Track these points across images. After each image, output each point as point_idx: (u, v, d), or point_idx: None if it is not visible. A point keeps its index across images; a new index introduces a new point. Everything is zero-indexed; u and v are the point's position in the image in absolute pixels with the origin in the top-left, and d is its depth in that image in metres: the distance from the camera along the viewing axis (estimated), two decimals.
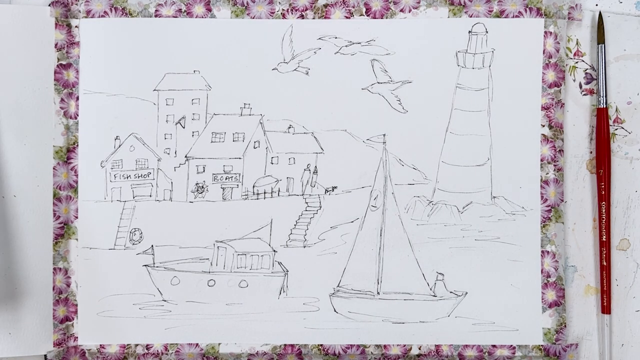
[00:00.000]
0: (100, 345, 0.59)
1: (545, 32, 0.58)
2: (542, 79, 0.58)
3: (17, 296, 0.58)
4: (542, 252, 0.58)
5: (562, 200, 0.59)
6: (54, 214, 0.59)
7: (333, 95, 0.59)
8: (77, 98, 0.59)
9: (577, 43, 0.59)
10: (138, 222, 0.59)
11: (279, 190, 0.60)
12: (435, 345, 0.59)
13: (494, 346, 0.59)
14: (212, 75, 0.59)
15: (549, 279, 0.58)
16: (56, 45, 0.59)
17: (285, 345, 0.59)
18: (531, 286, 0.58)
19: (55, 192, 0.59)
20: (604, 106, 0.58)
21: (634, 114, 0.59)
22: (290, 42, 0.59)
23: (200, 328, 0.59)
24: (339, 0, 0.59)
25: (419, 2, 0.59)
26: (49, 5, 0.58)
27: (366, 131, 0.59)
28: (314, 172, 0.60)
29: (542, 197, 0.58)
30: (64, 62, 0.59)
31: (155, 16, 0.59)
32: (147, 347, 0.59)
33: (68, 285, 0.59)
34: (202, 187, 0.60)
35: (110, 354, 0.59)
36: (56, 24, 0.58)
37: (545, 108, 0.58)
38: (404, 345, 0.59)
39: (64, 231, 0.59)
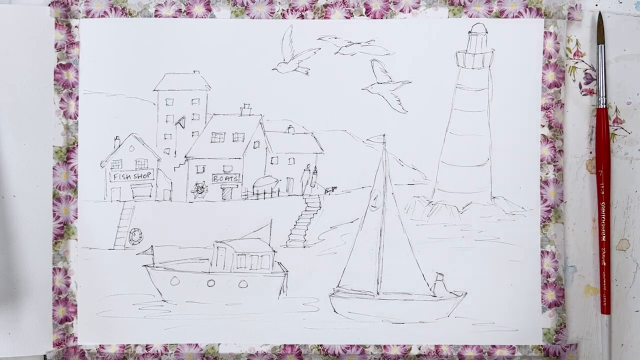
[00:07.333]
0: (100, 345, 0.59)
1: (545, 33, 0.58)
2: (542, 79, 0.58)
3: (17, 296, 0.58)
4: (542, 252, 0.58)
5: (562, 201, 0.59)
6: (54, 214, 0.59)
7: (333, 95, 0.59)
8: (77, 98, 0.59)
9: (577, 43, 0.59)
10: (138, 222, 0.59)
11: (278, 191, 0.60)
12: (435, 346, 0.59)
13: (493, 346, 0.59)
14: (212, 75, 0.59)
15: (548, 279, 0.58)
16: (56, 45, 0.59)
17: (285, 345, 0.59)
18: (531, 286, 0.58)
19: (55, 192, 0.59)
20: (604, 106, 0.58)
21: (633, 114, 0.59)
22: (290, 42, 0.59)
23: (200, 328, 0.59)
24: (339, 0, 0.59)
25: (419, 2, 0.59)
26: (49, 5, 0.58)
27: (366, 131, 0.59)
28: (313, 172, 0.60)
29: (541, 197, 0.58)
30: (63, 62, 0.59)
31: (155, 16, 0.59)
32: (147, 347, 0.59)
33: (68, 285, 0.59)
34: (202, 187, 0.60)
35: (110, 354, 0.59)
36: (56, 24, 0.58)
37: (545, 108, 0.58)
38: (404, 346, 0.59)
39: (63, 231, 0.59)
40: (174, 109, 0.59)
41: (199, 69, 0.59)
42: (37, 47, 0.58)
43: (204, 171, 0.60)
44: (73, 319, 0.60)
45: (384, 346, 0.59)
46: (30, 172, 0.58)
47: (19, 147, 0.58)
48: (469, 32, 0.58)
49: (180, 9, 0.59)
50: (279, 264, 0.59)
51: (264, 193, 0.60)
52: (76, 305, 0.59)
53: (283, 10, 0.59)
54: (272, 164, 0.60)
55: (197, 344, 0.60)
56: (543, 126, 0.58)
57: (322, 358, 0.59)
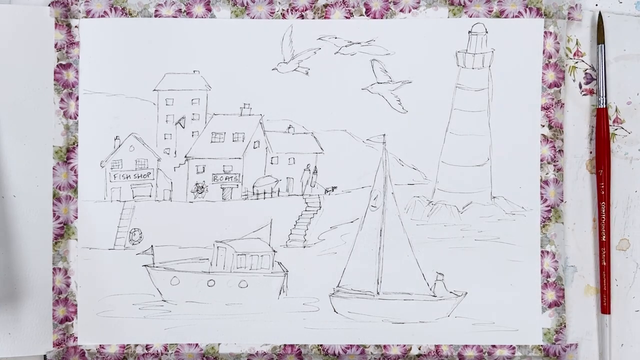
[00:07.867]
0: (100, 345, 0.59)
1: (545, 32, 0.58)
2: (542, 79, 0.58)
3: (17, 296, 0.58)
4: (542, 252, 0.58)
5: (562, 201, 0.59)
6: (54, 214, 0.59)
7: (333, 95, 0.59)
8: (77, 98, 0.59)
9: (577, 43, 0.59)
10: (138, 222, 0.59)
11: (278, 190, 0.60)
12: (435, 346, 0.59)
13: (493, 346, 0.59)
14: (212, 75, 0.59)
15: (548, 279, 0.58)
16: (56, 45, 0.59)
17: (285, 345, 0.59)
18: (531, 286, 0.58)
19: (55, 192, 0.59)
20: (604, 106, 0.58)
21: (633, 114, 0.59)
22: (290, 42, 0.59)
23: (200, 328, 0.59)
24: (339, 0, 0.59)
25: (419, 2, 0.59)
26: (49, 5, 0.58)
27: (366, 131, 0.59)
28: (313, 172, 0.60)
29: (541, 197, 0.58)
30: (63, 62, 0.59)
31: (155, 16, 0.59)
32: (147, 347, 0.59)
33: (68, 285, 0.59)
34: (202, 187, 0.60)
35: (110, 354, 0.59)
36: (56, 24, 0.58)
37: (545, 108, 0.58)
38: (404, 346, 0.59)
39: (63, 231, 0.59)
40: (174, 109, 0.60)
41: (199, 69, 0.59)
42: (37, 47, 0.58)
43: (204, 171, 0.60)
44: (73, 319, 0.60)
45: (384, 346, 0.59)
46: (30, 172, 0.58)
47: (19, 147, 0.58)
48: (469, 32, 0.58)
49: (180, 9, 0.59)
50: (279, 263, 0.59)
51: (264, 193, 0.60)
52: (76, 305, 0.59)
53: (283, 10, 0.59)
54: (272, 163, 0.60)
55: (197, 344, 0.60)
56: (543, 126, 0.58)
57: (322, 358, 0.59)
